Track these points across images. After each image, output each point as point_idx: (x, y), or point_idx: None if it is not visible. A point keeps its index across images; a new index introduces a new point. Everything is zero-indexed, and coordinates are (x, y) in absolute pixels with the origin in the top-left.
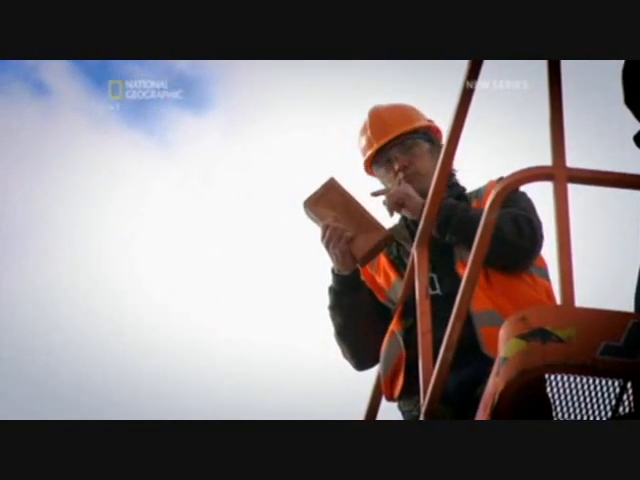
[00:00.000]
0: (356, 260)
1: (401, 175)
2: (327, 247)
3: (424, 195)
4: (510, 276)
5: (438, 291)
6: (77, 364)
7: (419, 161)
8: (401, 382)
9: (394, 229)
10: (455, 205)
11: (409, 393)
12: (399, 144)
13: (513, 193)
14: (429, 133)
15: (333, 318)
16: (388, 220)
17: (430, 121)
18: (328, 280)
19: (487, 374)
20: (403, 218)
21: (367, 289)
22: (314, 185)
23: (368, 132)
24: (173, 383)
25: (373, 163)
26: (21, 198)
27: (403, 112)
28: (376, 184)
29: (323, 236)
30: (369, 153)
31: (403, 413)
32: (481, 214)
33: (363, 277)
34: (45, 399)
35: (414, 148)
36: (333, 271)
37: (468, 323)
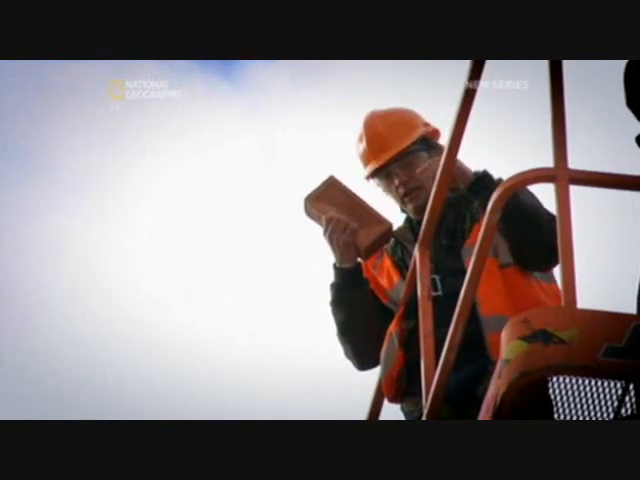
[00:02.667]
0: (359, 252)
1: (402, 191)
2: (330, 240)
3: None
4: (525, 281)
5: (440, 292)
6: (77, 364)
7: (419, 173)
8: (399, 384)
9: (397, 231)
10: (491, 178)
11: (410, 394)
12: (398, 159)
13: (522, 192)
14: (427, 140)
15: (335, 314)
16: (391, 214)
17: (426, 125)
18: (330, 277)
19: (488, 372)
20: (407, 220)
21: (369, 285)
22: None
23: (365, 146)
24: (173, 383)
25: (372, 176)
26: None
27: (400, 122)
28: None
29: (326, 229)
30: (368, 171)
31: (405, 414)
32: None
33: (366, 275)
34: (45, 399)
35: (414, 162)
36: (335, 266)
37: (476, 325)
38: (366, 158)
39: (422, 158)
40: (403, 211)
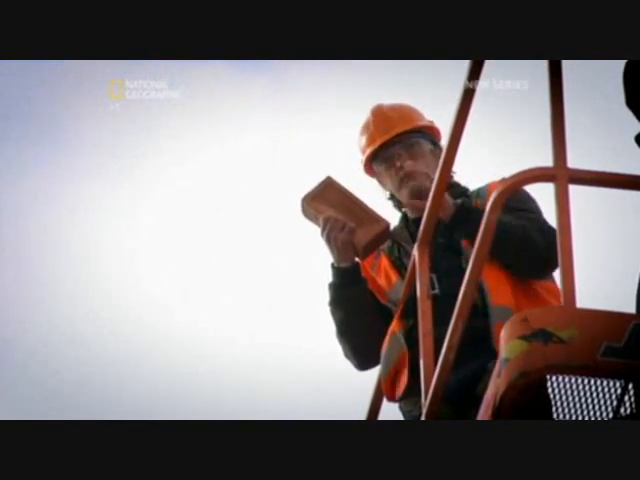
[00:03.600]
0: (357, 251)
1: (402, 172)
2: (328, 239)
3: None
4: (525, 279)
5: (437, 291)
6: (77, 364)
7: (421, 160)
8: (404, 382)
9: (394, 230)
10: (470, 208)
11: (410, 394)
12: (401, 142)
13: (520, 193)
14: (430, 134)
15: (333, 314)
16: (388, 213)
17: (431, 122)
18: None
19: (488, 371)
20: (403, 219)
21: (367, 284)
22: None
23: (371, 129)
24: (173, 383)
25: (373, 161)
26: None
27: (406, 111)
28: (373, 184)
29: (324, 229)
30: (371, 149)
31: (404, 414)
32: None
33: (364, 274)
34: (45, 399)
35: (416, 147)
36: (333, 265)
37: (484, 315)
38: (371, 139)
39: (425, 148)
40: (398, 208)
